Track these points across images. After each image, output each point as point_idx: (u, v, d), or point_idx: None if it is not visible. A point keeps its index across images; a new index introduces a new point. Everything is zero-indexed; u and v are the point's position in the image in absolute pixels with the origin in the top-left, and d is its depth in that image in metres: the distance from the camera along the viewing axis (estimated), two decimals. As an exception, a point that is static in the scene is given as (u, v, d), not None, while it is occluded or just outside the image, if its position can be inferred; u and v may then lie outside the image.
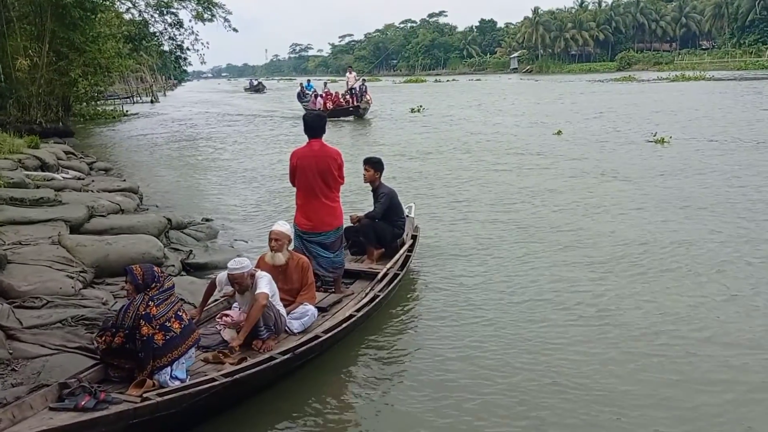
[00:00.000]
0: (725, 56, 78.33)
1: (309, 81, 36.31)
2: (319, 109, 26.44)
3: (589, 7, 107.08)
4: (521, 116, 25.28)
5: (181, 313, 4.11)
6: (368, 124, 25.22)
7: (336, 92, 28.88)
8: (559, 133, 18.40)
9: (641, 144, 15.94)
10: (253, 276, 4.66)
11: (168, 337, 3.93)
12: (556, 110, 27.39)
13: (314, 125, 5.72)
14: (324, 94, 28.57)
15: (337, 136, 19.50)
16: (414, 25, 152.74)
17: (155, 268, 4.20)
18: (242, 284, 4.65)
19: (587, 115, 24.09)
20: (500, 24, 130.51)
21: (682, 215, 8.84)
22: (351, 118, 26.56)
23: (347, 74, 30.69)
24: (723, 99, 29.49)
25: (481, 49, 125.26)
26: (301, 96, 32.64)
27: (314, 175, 5.63)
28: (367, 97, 27.19)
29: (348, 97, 28.05)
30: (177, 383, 3.88)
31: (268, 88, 68.44)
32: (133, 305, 3.97)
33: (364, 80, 29.20)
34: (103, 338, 3.99)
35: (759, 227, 8.11)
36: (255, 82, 71.29)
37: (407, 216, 7.33)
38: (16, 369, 4.04)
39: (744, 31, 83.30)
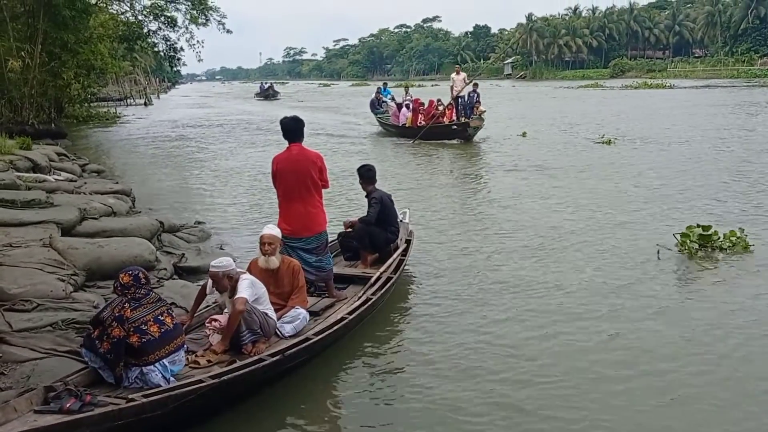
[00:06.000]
0: (718, 64, 78.90)
1: (385, 85, 26.89)
2: (404, 125, 20.27)
3: (583, 14, 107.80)
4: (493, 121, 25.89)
5: (163, 318, 4.07)
6: (478, 152, 17.34)
7: (431, 101, 20.08)
8: (524, 134, 19.94)
9: (589, 145, 17.44)
10: (230, 278, 4.61)
11: (144, 340, 3.92)
12: (525, 113, 29.55)
13: (291, 128, 5.61)
14: (411, 104, 20.47)
15: (426, 173, 13.74)
16: (408, 30, 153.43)
17: (139, 273, 4.14)
18: (220, 284, 4.63)
19: (552, 118, 25.99)
20: (494, 30, 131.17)
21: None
22: (455, 141, 18.55)
23: (453, 75, 20.30)
24: (675, 106, 31.72)
25: (475, 54, 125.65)
26: (376, 105, 24.46)
27: (293, 180, 5.53)
28: (480, 109, 18.89)
29: (442, 107, 19.46)
30: (165, 384, 3.88)
31: (282, 94, 56.71)
32: (110, 306, 3.98)
33: (476, 84, 20.17)
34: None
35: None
36: (266, 86, 57.43)
37: (401, 221, 7.34)
38: (5, 373, 4.00)
39: (736, 40, 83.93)
